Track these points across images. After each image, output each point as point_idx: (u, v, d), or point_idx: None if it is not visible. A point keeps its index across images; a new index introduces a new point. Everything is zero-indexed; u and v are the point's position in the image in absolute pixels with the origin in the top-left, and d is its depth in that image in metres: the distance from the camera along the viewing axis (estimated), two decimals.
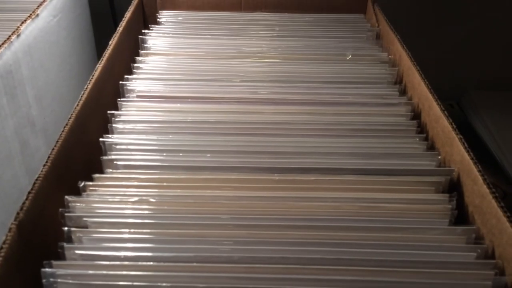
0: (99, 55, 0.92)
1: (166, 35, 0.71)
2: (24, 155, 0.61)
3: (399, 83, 0.62)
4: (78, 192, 0.43)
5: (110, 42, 0.63)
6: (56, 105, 0.71)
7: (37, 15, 0.66)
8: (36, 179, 0.40)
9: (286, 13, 0.79)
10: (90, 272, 0.35)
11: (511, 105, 1.06)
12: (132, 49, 0.70)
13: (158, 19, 0.77)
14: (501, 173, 0.85)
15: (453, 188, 0.46)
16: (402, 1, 1.03)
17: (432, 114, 0.52)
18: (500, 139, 0.97)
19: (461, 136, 0.46)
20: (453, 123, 0.48)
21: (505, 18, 1.04)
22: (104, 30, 0.98)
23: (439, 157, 0.48)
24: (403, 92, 0.60)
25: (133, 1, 0.77)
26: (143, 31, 0.72)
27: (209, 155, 0.47)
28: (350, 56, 0.65)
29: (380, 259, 0.37)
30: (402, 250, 0.38)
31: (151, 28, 0.73)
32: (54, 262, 0.36)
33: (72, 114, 0.48)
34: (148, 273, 0.35)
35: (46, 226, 0.40)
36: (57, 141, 0.44)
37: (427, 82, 0.56)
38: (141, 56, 0.66)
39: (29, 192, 0.38)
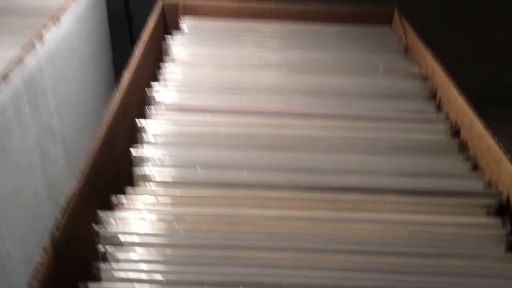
0: (115, 63, 0.91)
1: (190, 43, 0.69)
2: (44, 166, 0.59)
3: (433, 99, 0.60)
4: (108, 205, 0.41)
5: (135, 50, 0.61)
6: (75, 114, 0.69)
7: (60, 22, 0.64)
8: (70, 196, 0.37)
9: (311, 24, 0.77)
10: None
11: None
12: (155, 57, 0.68)
13: (180, 28, 0.75)
14: None
15: (502, 211, 0.44)
16: (424, 9, 1.01)
17: (473, 132, 0.50)
18: None
19: (510, 156, 0.44)
20: (499, 142, 0.46)
21: None
22: (120, 37, 0.96)
23: (486, 178, 0.46)
24: (438, 107, 0.59)
25: (154, 9, 0.75)
26: (166, 39, 0.70)
27: (246, 172, 0.45)
28: (382, 69, 0.63)
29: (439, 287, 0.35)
30: (461, 280, 0.35)
31: (174, 36, 0.71)
32: (91, 285, 0.33)
33: (102, 126, 0.46)
34: None
35: (79, 244, 0.37)
36: (89, 154, 0.42)
37: (465, 98, 0.54)
38: (166, 65, 0.64)
39: (64, 210, 0.36)
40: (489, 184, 0.46)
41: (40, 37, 0.58)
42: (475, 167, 0.49)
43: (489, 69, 1.05)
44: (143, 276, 0.34)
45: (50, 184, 0.60)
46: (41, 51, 0.57)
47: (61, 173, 0.63)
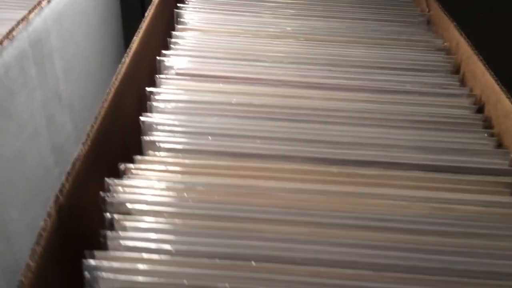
0: (124, 28, 0.88)
1: (203, 10, 0.66)
2: (50, 131, 0.57)
3: (457, 73, 0.57)
4: (116, 174, 0.39)
5: (146, 14, 0.59)
6: (83, 79, 0.67)
7: None
8: (76, 159, 0.36)
9: None
10: (140, 267, 0.31)
11: None
12: (166, 23, 0.65)
13: None
14: None
15: None
16: None
17: (500, 108, 0.48)
18: None
19: None
20: None
21: None
22: (130, 1, 0.93)
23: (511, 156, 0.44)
24: (462, 82, 0.56)
25: None
26: (178, 4, 0.67)
27: (259, 141, 0.43)
28: (403, 41, 0.60)
29: (461, 269, 0.33)
30: (485, 260, 0.33)
31: (186, 2, 0.68)
32: (97, 254, 0.32)
33: (110, 89, 0.44)
34: (203, 271, 0.31)
35: (85, 211, 0.36)
36: (96, 118, 0.40)
37: (492, 73, 0.51)
38: (177, 31, 0.61)
39: (68, 173, 0.34)
40: None
41: None
42: (500, 144, 0.46)
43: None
44: (152, 245, 0.33)
45: (56, 150, 0.58)
46: (47, 10, 0.54)
47: (68, 139, 0.62)
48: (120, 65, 0.48)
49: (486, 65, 0.52)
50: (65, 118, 0.61)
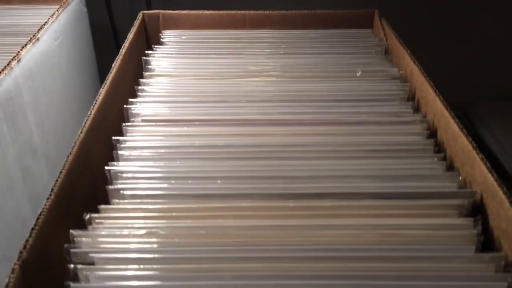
0: (101, 75, 0.91)
1: (170, 55, 0.70)
2: (26, 183, 0.59)
3: (412, 100, 0.60)
4: (83, 224, 0.41)
5: (113, 65, 0.61)
6: (58, 129, 0.70)
7: (38, 39, 0.64)
8: (40, 214, 0.38)
9: (291, 30, 0.78)
10: None
11: None
12: (135, 70, 0.68)
13: (161, 39, 0.75)
14: None
15: (476, 211, 0.44)
16: (406, 11, 1.02)
17: (449, 132, 0.50)
18: (510, 150, 0.95)
19: (483, 156, 0.44)
20: (473, 142, 0.46)
21: None
22: (106, 49, 0.97)
23: (460, 178, 0.46)
24: (416, 109, 0.59)
25: (135, 22, 0.76)
26: (146, 52, 0.70)
27: (219, 181, 0.45)
28: (360, 73, 0.63)
29: None
30: (430, 282, 0.35)
31: (154, 49, 0.71)
32: None
33: (75, 142, 0.46)
34: None
35: (51, 264, 0.37)
36: (61, 171, 0.43)
37: (442, 99, 0.54)
38: (145, 78, 0.64)
39: (32, 229, 0.36)
40: (464, 184, 0.46)
41: (17, 56, 0.58)
42: (451, 167, 0.49)
43: (474, 67, 1.06)
44: None
45: (34, 201, 0.60)
46: (17, 69, 0.57)
47: (46, 189, 0.63)
48: (86, 118, 0.50)
49: (437, 91, 0.55)
50: (41, 168, 0.63)
